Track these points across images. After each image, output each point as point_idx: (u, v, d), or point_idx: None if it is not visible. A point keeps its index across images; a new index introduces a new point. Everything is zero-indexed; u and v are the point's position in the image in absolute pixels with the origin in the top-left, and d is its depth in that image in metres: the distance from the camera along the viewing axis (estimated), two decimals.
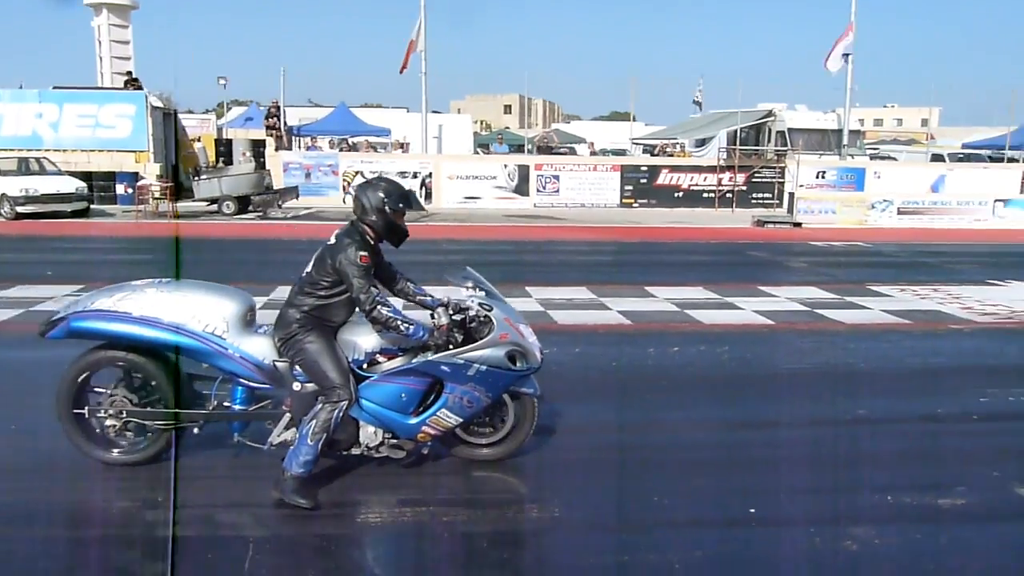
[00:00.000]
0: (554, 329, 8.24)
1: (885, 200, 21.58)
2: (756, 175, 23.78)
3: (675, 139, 30.21)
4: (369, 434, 4.34)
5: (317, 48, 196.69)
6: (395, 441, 4.39)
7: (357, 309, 4.29)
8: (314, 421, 4.10)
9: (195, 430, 4.47)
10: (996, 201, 22.31)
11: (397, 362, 4.35)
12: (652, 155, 28.76)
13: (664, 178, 23.58)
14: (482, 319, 4.40)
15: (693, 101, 28.87)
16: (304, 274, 4.34)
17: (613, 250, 15.42)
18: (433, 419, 4.35)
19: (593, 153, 34.59)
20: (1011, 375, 6.99)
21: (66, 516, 4.18)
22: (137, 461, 4.43)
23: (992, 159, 28.33)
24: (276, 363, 4.28)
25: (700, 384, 6.59)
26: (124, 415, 4.38)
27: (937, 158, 28.97)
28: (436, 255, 13.77)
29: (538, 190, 23.04)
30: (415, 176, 22.52)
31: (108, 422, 4.39)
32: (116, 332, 4.25)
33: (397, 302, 4.56)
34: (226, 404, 4.41)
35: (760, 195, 23.76)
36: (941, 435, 5.44)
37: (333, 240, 4.31)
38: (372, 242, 4.34)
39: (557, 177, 23.17)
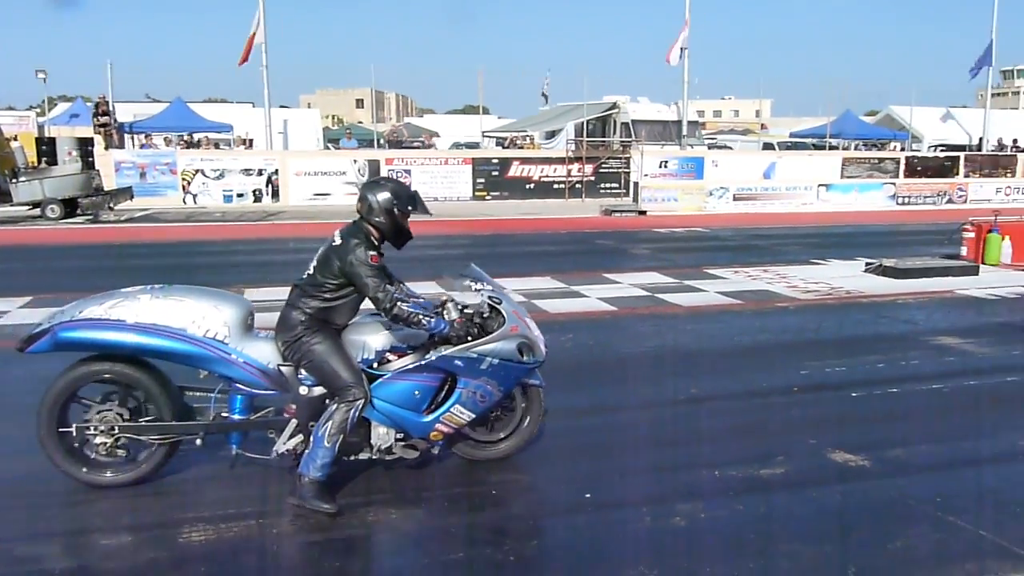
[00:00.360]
0: None
1: (722, 187, 22.73)
2: (603, 166, 24.43)
3: (525, 131, 30.62)
4: (381, 435, 4.26)
5: (152, 41, 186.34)
6: (408, 441, 4.32)
7: (361, 308, 4.26)
8: (329, 423, 4.01)
9: (197, 442, 4.22)
10: (819, 186, 23.98)
11: (409, 359, 4.27)
12: (503, 148, 29.01)
13: (515, 170, 23.82)
14: (487, 314, 4.37)
15: (541, 94, 29.38)
16: (306, 275, 4.22)
17: (465, 243, 15.45)
18: (447, 416, 4.29)
19: (428, 145, 34.19)
20: (828, 348, 7.49)
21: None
22: (130, 481, 4.20)
23: (816, 147, 30.43)
24: (281, 367, 4.16)
25: (543, 373, 6.67)
26: (116, 431, 4.13)
27: (768, 147, 30.85)
28: (284, 255, 13.36)
29: None
30: (260, 173, 21.72)
31: (98, 440, 4.13)
32: (111, 341, 4.01)
33: None
34: (224, 415, 4.23)
35: (608, 185, 24.44)
36: (765, 408, 5.74)
37: (338, 241, 4.18)
38: (376, 242, 4.24)
39: (409, 171, 22.94)
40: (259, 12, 23.23)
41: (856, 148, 31.98)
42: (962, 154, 27.76)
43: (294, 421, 4.21)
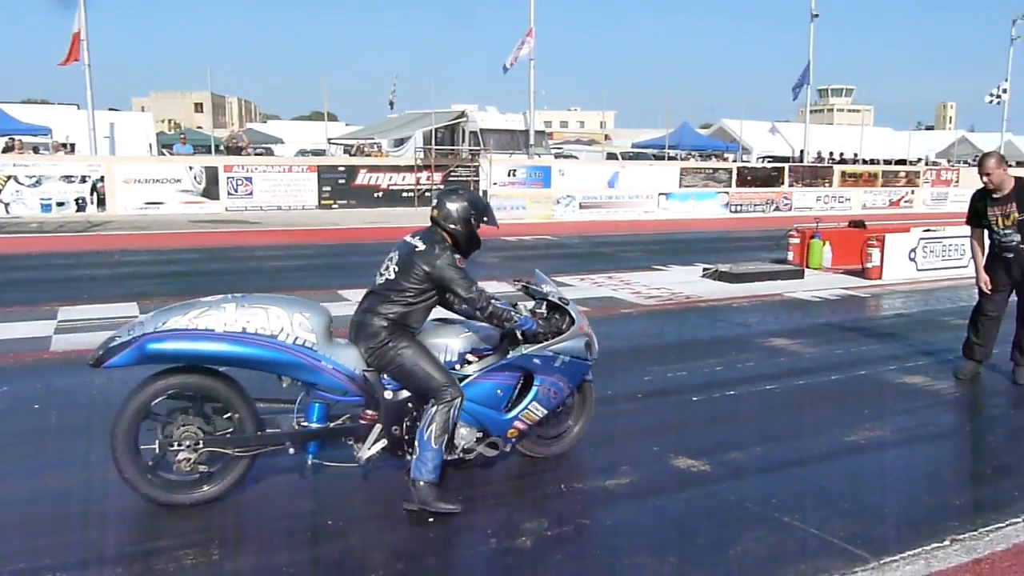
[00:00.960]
0: None
1: (568, 196, 23.21)
2: (452, 174, 24.37)
3: (372, 139, 30.11)
4: (464, 435, 4.33)
5: None
6: (491, 439, 4.43)
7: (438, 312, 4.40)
8: (433, 425, 4.07)
9: (291, 450, 4.20)
10: (660, 194, 24.96)
11: (491, 359, 4.43)
12: (351, 155, 28.40)
13: (363, 178, 23.35)
14: (547, 314, 4.63)
15: (388, 101, 28.98)
16: (384, 280, 4.25)
17: (307, 254, 14.90)
18: (525, 413, 4.47)
19: (261, 153, 32.95)
20: (670, 352, 7.66)
21: None
22: (214, 497, 4.10)
23: (656, 157, 31.69)
24: (366, 373, 4.18)
25: None
26: (201, 446, 4.02)
27: (612, 157, 31.83)
28: (107, 268, 12.38)
29: (229, 193, 21.70)
30: (84, 180, 20.16)
31: (181, 456, 4.00)
32: (202, 352, 3.93)
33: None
34: (303, 424, 4.22)
35: None
36: (611, 417, 5.73)
37: (421, 246, 4.21)
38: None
39: (250, 179, 21.99)
40: (80, 7, 21.59)
41: (692, 159, 33.59)
42: (787, 165, 29.75)
43: (378, 426, 4.25)
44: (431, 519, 4.04)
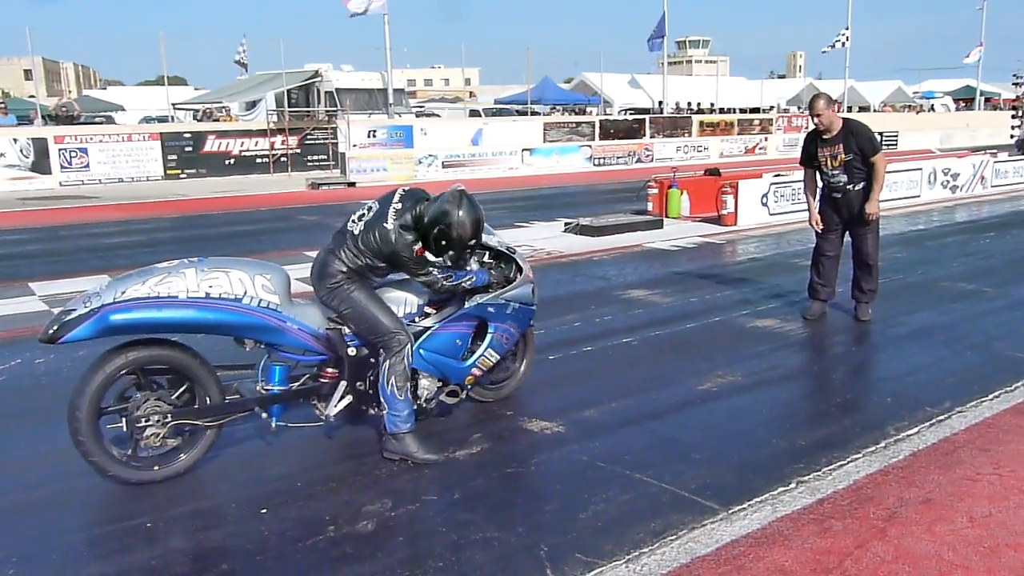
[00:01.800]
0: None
1: (431, 155, 22.72)
2: (309, 137, 23.41)
3: (220, 102, 28.51)
4: (425, 386, 4.42)
5: None
6: (450, 388, 4.56)
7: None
8: (392, 377, 4.11)
9: (263, 415, 4.18)
10: (524, 151, 24.83)
11: (449, 310, 4.53)
12: (198, 121, 26.78)
13: (212, 145, 22.03)
14: (495, 262, 4.76)
15: (236, 62, 27.30)
16: (356, 230, 4.10)
17: (148, 228, 13.87)
18: (481, 360, 4.64)
19: (101, 122, 30.80)
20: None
21: None
22: (183, 471, 4.01)
23: (520, 113, 31.55)
24: (329, 331, 4.19)
25: None
26: (169, 419, 3.91)
27: (475, 113, 31.46)
28: None
29: (63, 166, 20.00)
30: None
31: (149, 432, 3.87)
32: (167, 319, 3.77)
33: None
34: (267, 388, 4.17)
35: (316, 157, 23.48)
36: None
37: (389, 224, 4.00)
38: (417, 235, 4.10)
39: (85, 150, 20.32)
40: None
41: (554, 113, 33.67)
42: (647, 117, 30.21)
43: (343, 383, 4.25)
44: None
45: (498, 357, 4.76)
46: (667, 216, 13.43)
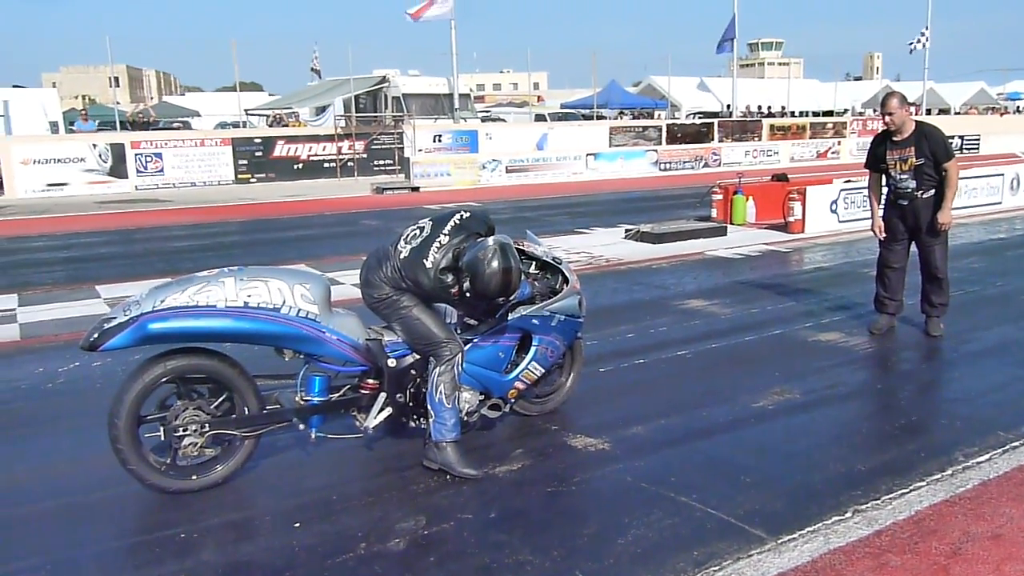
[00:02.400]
0: None
1: (494, 160, 22.72)
2: (375, 142, 23.67)
3: (290, 108, 29.09)
4: (467, 398, 4.31)
5: None
6: (492, 401, 4.45)
7: None
8: (441, 386, 4.05)
9: (301, 426, 4.14)
10: (588, 155, 24.63)
11: (492, 322, 4.41)
12: (269, 126, 27.38)
13: (281, 150, 22.48)
14: (539, 273, 4.64)
15: (311, 69, 27.76)
16: (408, 247, 4.03)
17: (217, 232, 14.16)
18: (524, 373, 4.52)
19: (178, 127, 31.67)
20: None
21: None
22: (220, 480, 4.00)
23: (586, 117, 31.36)
24: (369, 342, 4.12)
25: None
26: (208, 429, 3.90)
27: (540, 118, 31.37)
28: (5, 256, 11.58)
29: (139, 171, 20.68)
30: None
31: (187, 441, 3.86)
32: (205, 329, 3.76)
33: None
34: (305, 398, 4.12)
35: (381, 162, 23.73)
36: None
37: (429, 264, 3.92)
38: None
39: (160, 155, 20.98)
40: None
41: (621, 117, 33.35)
42: (716, 120, 29.69)
43: (383, 394, 4.20)
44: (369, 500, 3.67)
45: (543, 371, 4.63)
46: (732, 223, 13.10)
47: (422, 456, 4.21)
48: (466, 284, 3.94)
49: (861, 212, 12.97)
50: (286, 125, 26.94)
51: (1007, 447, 4.40)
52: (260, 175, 22.01)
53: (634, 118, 33.92)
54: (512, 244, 4.06)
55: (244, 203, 18.35)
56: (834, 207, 12.76)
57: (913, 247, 6.59)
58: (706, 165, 26.83)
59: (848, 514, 3.70)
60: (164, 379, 3.83)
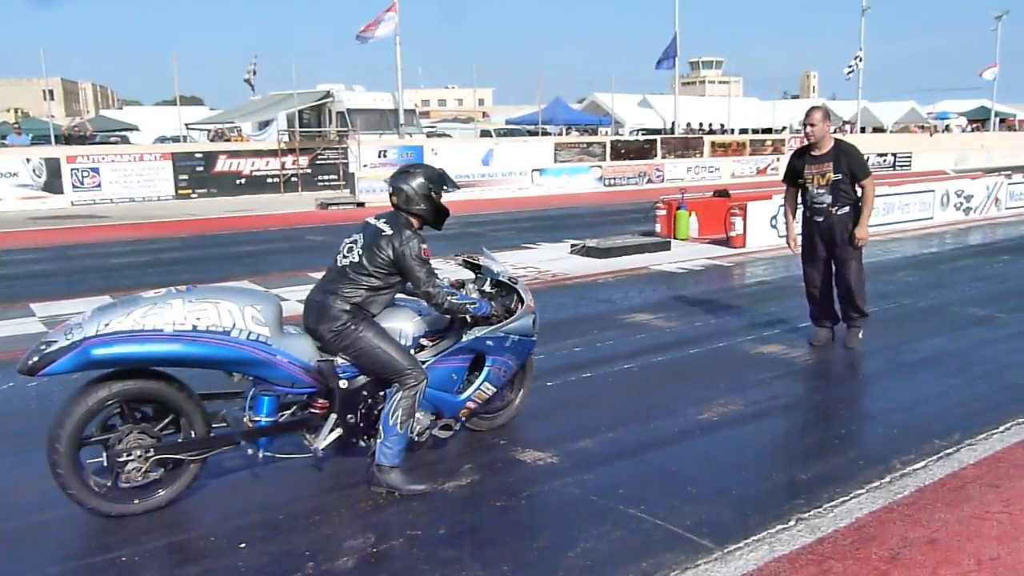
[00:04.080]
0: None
1: None
2: (320, 157, 23.45)
3: (232, 123, 28.67)
4: (419, 419, 4.26)
5: None
6: (443, 422, 4.44)
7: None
8: (399, 411, 4.03)
9: (249, 451, 4.04)
10: (534, 170, 24.80)
11: (445, 343, 4.44)
12: (209, 141, 26.93)
13: (223, 165, 22.13)
14: (492, 292, 4.70)
15: (244, 80, 27.15)
16: (348, 263, 4.13)
17: (156, 248, 13.85)
18: (477, 393, 4.53)
19: (116, 142, 30.96)
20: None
21: None
22: (163, 504, 3.89)
23: (531, 133, 31.56)
24: (320, 363, 4.07)
25: None
26: (152, 453, 3.78)
27: (486, 134, 31.49)
28: None
29: (75, 186, 20.13)
30: None
31: (131, 465, 3.75)
32: (151, 354, 3.63)
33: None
34: (254, 419, 4.04)
35: (326, 177, 23.52)
36: None
37: (388, 230, 4.12)
38: (420, 232, 4.24)
39: (97, 170, 20.46)
40: None
41: (568, 133, 33.67)
42: (659, 137, 30.17)
43: (333, 415, 4.15)
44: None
45: (495, 390, 4.65)
46: (675, 238, 13.31)
47: (368, 480, 4.15)
48: (422, 207, 4.23)
49: (801, 228, 13.29)
50: (228, 140, 26.54)
51: (941, 454, 4.55)
52: (201, 190, 21.62)
53: (579, 134, 34.28)
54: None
55: (185, 219, 18.01)
56: (774, 222, 13.05)
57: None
58: (649, 181, 27.23)
59: (792, 522, 3.77)
60: (109, 402, 3.70)
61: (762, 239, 12.75)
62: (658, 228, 13.78)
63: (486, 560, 3.49)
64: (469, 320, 4.43)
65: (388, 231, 4.12)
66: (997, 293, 9.09)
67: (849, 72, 39.49)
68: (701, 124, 37.66)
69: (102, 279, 10.59)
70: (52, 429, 3.62)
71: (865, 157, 6.58)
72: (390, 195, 4.28)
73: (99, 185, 20.35)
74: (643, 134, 33.98)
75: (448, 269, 4.83)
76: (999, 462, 4.44)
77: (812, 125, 6.26)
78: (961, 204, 16.14)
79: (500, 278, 4.74)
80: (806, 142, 6.48)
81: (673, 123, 34.39)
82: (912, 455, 4.53)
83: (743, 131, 39.10)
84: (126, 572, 3.43)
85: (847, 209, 6.34)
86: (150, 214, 18.72)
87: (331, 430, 4.16)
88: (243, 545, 3.63)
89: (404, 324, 4.32)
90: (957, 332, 7.31)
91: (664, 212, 13.78)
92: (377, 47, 25.84)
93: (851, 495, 4.05)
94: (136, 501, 3.85)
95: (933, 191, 15.73)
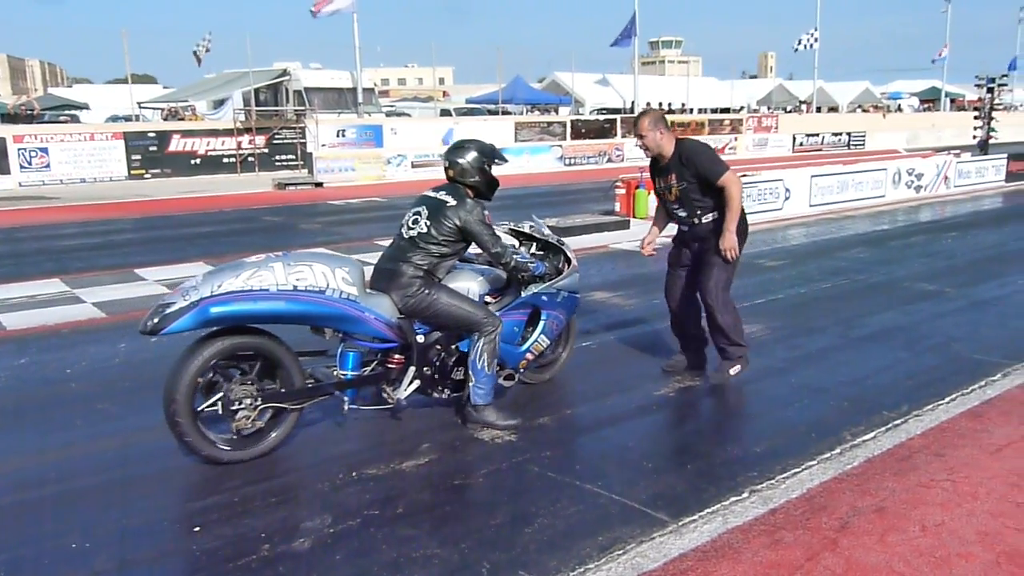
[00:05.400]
0: (1, 336, 6.78)
1: (399, 155, 22.54)
2: (277, 136, 23.12)
3: (186, 101, 28.10)
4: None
5: None
6: (506, 372, 4.85)
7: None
8: (484, 355, 4.48)
9: (344, 399, 4.42)
10: None
11: (507, 299, 4.87)
12: (163, 120, 26.36)
13: (177, 144, 21.71)
14: (546, 254, 5.18)
15: (193, 52, 26.22)
16: (415, 234, 4.49)
17: (108, 229, 13.56)
18: (535, 345, 5.00)
19: (66, 121, 30.05)
20: None
21: None
22: (268, 451, 4.27)
23: (491, 113, 31.43)
24: (399, 320, 4.42)
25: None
26: (259, 402, 4.16)
27: (445, 113, 31.27)
28: None
29: (22, 166, 19.62)
30: None
31: (241, 414, 4.12)
32: (260, 311, 4.04)
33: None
34: (342, 373, 4.44)
35: (283, 157, 23.22)
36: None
37: (452, 201, 4.51)
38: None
39: (46, 150, 19.94)
40: None
41: (531, 112, 33.58)
42: (619, 116, 30.23)
43: (412, 369, 4.52)
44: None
45: (549, 342, 5.10)
46: (634, 216, 13.38)
47: (465, 419, 4.68)
48: (476, 178, 4.63)
49: (757, 205, 13.48)
50: (182, 119, 25.99)
51: (890, 425, 4.66)
52: (155, 170, 21.20)
53: (539, 114, 34.21)
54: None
55: (138, 200, 17.64)
56: None
57: None
58: (609, 160, 27.32)
59: (745, 494, 3.84)
60: (220, 357, 4.02)
61: None
62: (617, 207, 13.83)
63: (444, 538, 3.50)
64: (524, 279, 4.84)
65: (452, 202, 4.51)
66: (945, 268, 9.31)
67: (797, 47, 39.84)
68: (661, 103, 37.81)
69: (52, 261, 10.33)
70: (169, 384, 3.94)
71: (715, 152, 5.45)
72: (446, 168, 4.70)
73: (48, 165, 19.85)
74: (603, 113, 34.03)
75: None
76: (944, 432, 4.56)
77: (642, 136, 5.20)
78: (912, 182, 16.46)
79: (550, 240, 5.22)
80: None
81: (633, 102, 34.48)
82: (862, 427, 4.64)
83: (702, 110, 39.38)
84: (76, 558, 3.38)
85: (712, 216, 5.26)
86: (102, 195, 18.31)
87: (410, 382, 4.55)
88: (197, 529, 3.60)
89: (471, 283, 4.71)
90: (907, 307, 7.48)
91: (623, 191, 13.83)
92: (335, 25, 25.44)
93: (803, 467, 4.13)
94: (247, 448, 4.19)
95: (885, 169, 16.02)
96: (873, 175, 15.73)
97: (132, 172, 20.90)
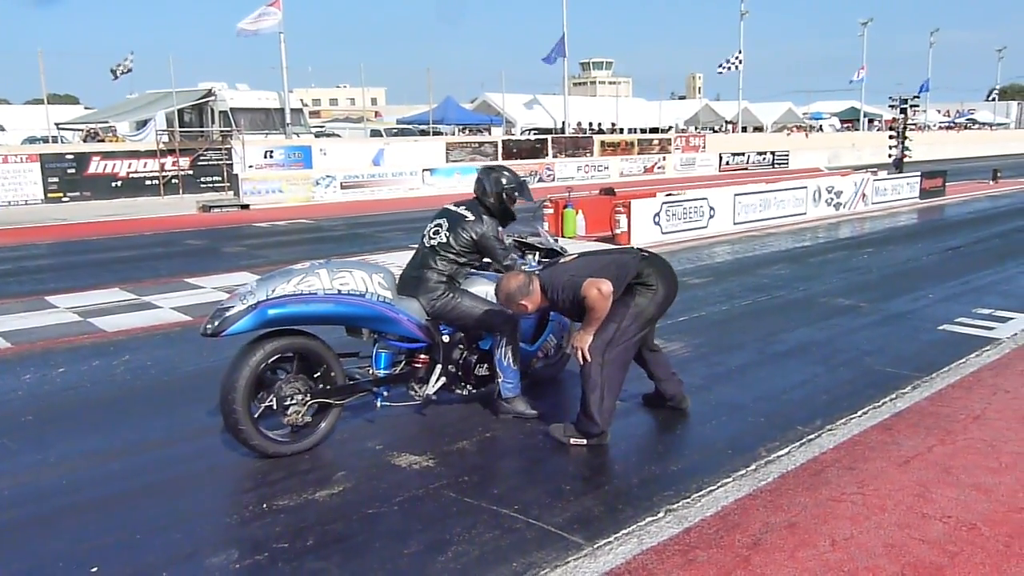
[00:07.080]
0: None
1: (328, 176, 22.28)
2: (202, 158, 22.61)
3: (107, 122, 27.31)
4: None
5: None
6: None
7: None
8: (507, 352, 4.94)
9: (384, 394, 4.87)
10: (424, 170, 24.64)
11: None
12: (83, 141, 25.55)
13: (97, 166, 21.03)
14: (548, 261, 5.37)
15: (111, 70, 25.40)
16: (436, 243, 4.93)
17: (20, 256, 13.01)
18: (544, 345, 5.56)
19: None
20: None
21: None
22: (315, 444, 4.57)
23: (423, 133, 31.37)
24: (427, 322, 4.84)
25: (82, 409, 5.53)
26: (309, 399, 4.49)
27: (376, 134, 31.12)
28: None
29: None
30: None
31: (292, 409, 4.44)
32: (311, 312, 4.39)
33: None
34: (377, 372, 4.85)
35: (209, 179, 22.70)
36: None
37: (470, 216, 4.97)
38: None
39: None
40: None
41: (463, 132, 33.62)
42: (550, 136, 30.51)
43: (439, 366, 4.93)
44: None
45: (555, 342, 5.68)
46: (563, 235, 13.46)
47: (495, 411, 5.11)
48: (491, 202, 5.08)
49: (682, 224, 13.72)
50: (102, 140, 25.24)
51: (803, 440, 4.73)
52: (73, 193, 20.49)
53: (471, 134, 34.29)
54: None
55: (55, 224, 17.00)
56: (657, 219, 13.39)
57: None
58: (540, 180, 27.47)
59: (661, 514, 3.84)
60: (273, 357, 4.34)
61: (646, 236, 13.05)
62: (546, 226, 13.89)
63: (354, 570, 3.40)
64: None
65: (470, 217, 4.98)
66: (861, 284, 9.58)
67: (721, 70, 41.00)
68: (591, 124, 38.32)
69: None
70: (226, 382, 4.22)
71: (564, 271, 4.63)
72: (475, 185, 5.20)
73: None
74: (534, 134, 34.29)
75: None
76: (856, 445, 4.65)
77: (525, 308, 4.56)
78: (832, 200, 16.98)
79: (555, 248, 5.78)
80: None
81: (564, 123, 34.85)
82: (777, 442, 4.70)
83: (632, 131, 40.02)
84: None
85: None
86: (16, 219, 17.60)
87: (438, 379, 4.94)
88: (95, 569, 3.42)
89: (488, 288, 5.03)
90: (823, 322, 7.66)
91: (551, 211, 13.91)
92: (263, 45, 25.09)
93: (718, 484, 4.16)
94: (296, 441, 4.51)
95: (806, 188, 16.48)
96: (794, 193, 16.17)
97: (49, 195, 20.15)
